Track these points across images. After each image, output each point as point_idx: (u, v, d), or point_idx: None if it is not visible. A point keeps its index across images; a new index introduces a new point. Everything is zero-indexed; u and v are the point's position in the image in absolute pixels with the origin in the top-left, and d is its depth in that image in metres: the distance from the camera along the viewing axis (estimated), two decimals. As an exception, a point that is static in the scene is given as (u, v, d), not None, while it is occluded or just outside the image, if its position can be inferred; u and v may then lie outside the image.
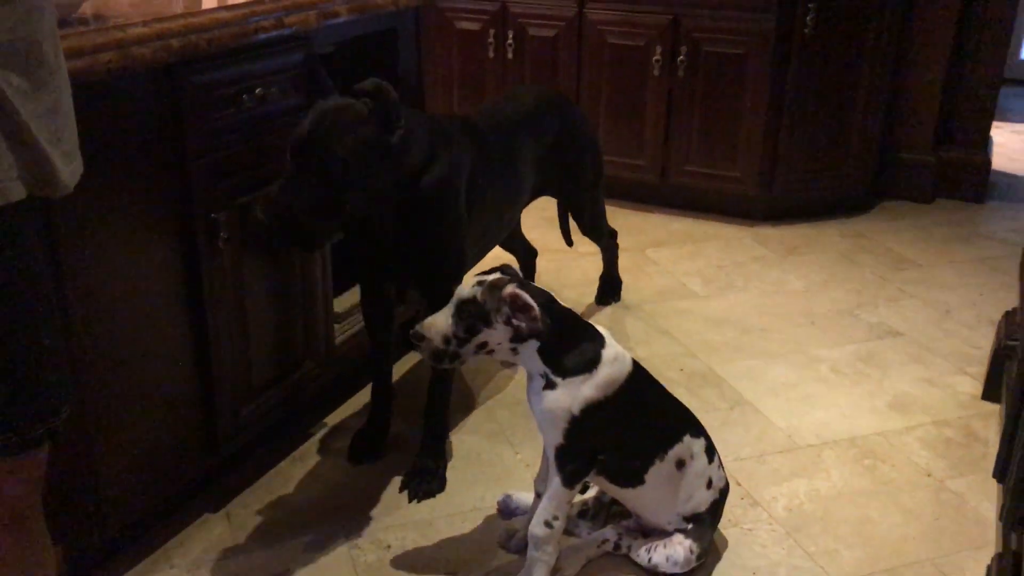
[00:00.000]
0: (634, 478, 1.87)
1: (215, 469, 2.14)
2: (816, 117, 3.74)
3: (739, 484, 2.24)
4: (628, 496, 1.92)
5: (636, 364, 1.87)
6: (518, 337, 1.74)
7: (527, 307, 1.71)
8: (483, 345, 1.76)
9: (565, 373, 1.77)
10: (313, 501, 2.18)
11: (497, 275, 1.78)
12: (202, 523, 2.10)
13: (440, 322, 1.76)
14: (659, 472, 1.88)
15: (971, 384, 2.71)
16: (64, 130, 1.24)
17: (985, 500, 2.19)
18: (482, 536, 2.08)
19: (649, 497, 1.90)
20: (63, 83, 1.24)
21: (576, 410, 1.77)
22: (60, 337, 1.38)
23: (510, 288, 1.73)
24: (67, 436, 1.68)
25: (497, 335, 1.75)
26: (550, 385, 1.78)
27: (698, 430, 1.96)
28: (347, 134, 1.83)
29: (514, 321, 1.73)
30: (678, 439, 1.90)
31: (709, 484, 1.93)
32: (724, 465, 2.02)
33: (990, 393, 2.59)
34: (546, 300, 1.76)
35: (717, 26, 3.60)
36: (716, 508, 1.97)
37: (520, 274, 1.85)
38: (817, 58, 3.63)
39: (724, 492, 1.99)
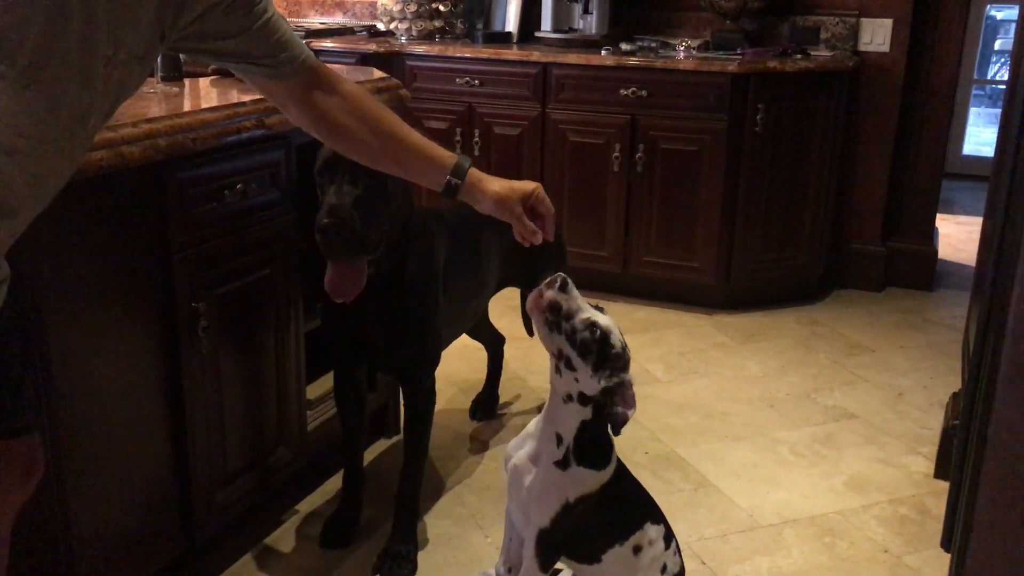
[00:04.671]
0: (591, 557, 1.90)
1: (189, 555, 2.15)
2: (769, 210, 3.92)
3: (703, 563, 2.30)
4: (584, 571, 1.95)
5: (617, 457, 1.91)
6: (587, 399, 1.73)
7: (630, 403, 1.71)
8: (571, 368, 1.71)
9: (582, 460, 1.79)
10: (285, 587, 2.21)
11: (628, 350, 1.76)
12: (174, 610, 2.11)
13: (581, 307, 1.71)
14: (616, 554, 1.89)
15: (924, 463, 2.81)
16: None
17: (939, 574, 2.26)
18: (453, 618, 2.11)
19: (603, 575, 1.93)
20: None
21: (572, 498, 1.79)
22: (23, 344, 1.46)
23: (630, 377, 1.72)
24: (43, 519, 1.72)
25: (586, 380, 1.72)
26: (563, 463, 1.79)
27: (658, 517, 1.97)
28: None
29: (613, 396, 1.71)
30: (640, 526, 1.91)
31: (664, 569, 1.94)
32: (689, 545, 2.06)
33: (942, 472, 2.69)
34: None
35: (672, 125, 3.80)
36: None
37: None
38: (768, 154, 3.83)
39: None
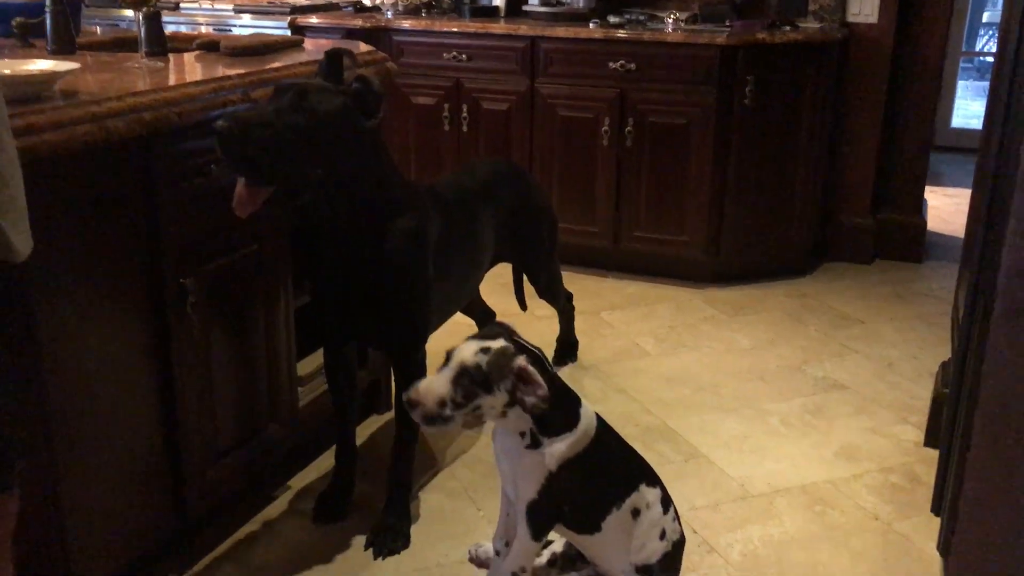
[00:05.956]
0: (591, 526, 1.92)
1: (182, 532, 2.16)
2: (758, 184, 3.91)
3: (695, 532, 2.31)
4: (584, 543, 1.96)
5: (599, 418, 1.93)
6: (511, 403, 1.77)
7: (536, 385, 1.74)
8: (477, 408, 1.77)
9: (549, 432, 1.82)
10: (279, 562, 2.21)
11: (501, 342, 1.78)
12: (168, 586, 2.11)
13: (437, 387, 1.76)
14: (615, 520, 1.91)
15: (913, 432, 2.82)
16: (10, 202, 1.30)
17: (930, 540, 2.27)
18: (447, 591, 2.12)
19: (604, 544, 1.94)
20: (9, 161, 1.31)
21: (553, 467, 1.82)
22: (13, 396, 1.43)
23: (520, 361, 1.75)
24: (35, 499, 1.72)
25: (495, 401, 1.76)
26: (534, 444, 1.82)
27: (654, 480, 2.00)
28: (333, 99, 1.97)
29: (519, 394, 1.75)
30: (635, 488, 1.94)
31: (662, 535, 1.95)
32: (681, 514, 2.08)
33: (931, 440, 2.71)
34: (542, 366, 1.79)
35: (661, 98, 3.78)
36: (668, 561, 1.97)
37: (516, 332, 1.86)
38: (757, 128, 3.82)
39: (678, 545, 2.00)
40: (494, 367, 1.74)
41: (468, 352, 1.77)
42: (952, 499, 1.84)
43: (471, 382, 1.74)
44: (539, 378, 1.74)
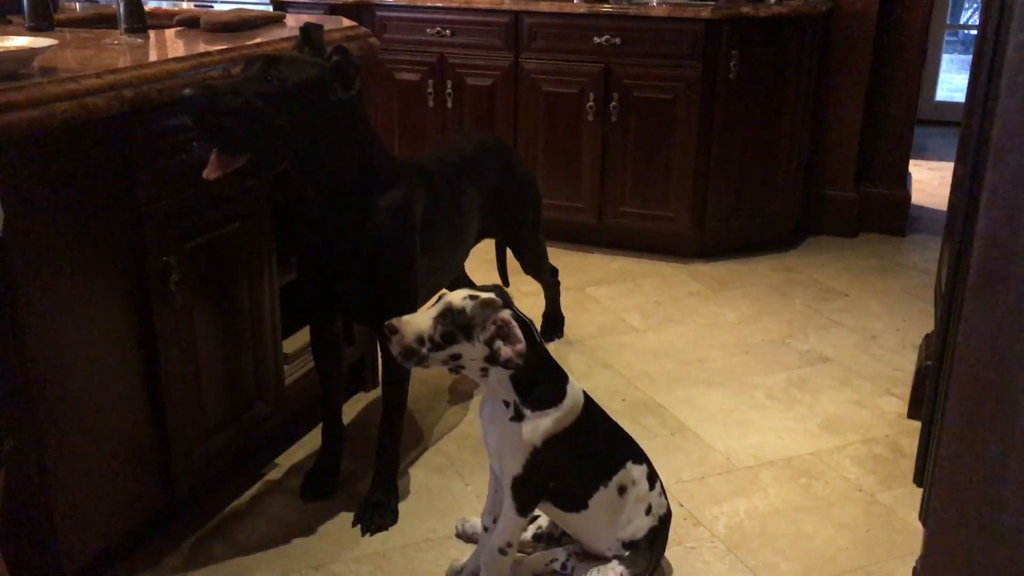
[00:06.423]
0: (578, 504, 1.92)
1: (169, 509, 2.16)
2: (743, 158, 3.91)
3: (681, 505, 2.33)
4: (571, 521, 1.97)
5: (586, 395, 1.94)
6: (492, 359, 1.76)
7: (515, 339, 1.73)
8: (456, 356, 1.77)
9: (534, 406, 1.82)
10: (267, 539, 2.21)
11: (491, 295, 1.79)
12: (157, 564, 2.11)
13: (419, 321, 1.76)
14: (602, 498, 1.92)
15: (897, 404, 2.85)
16: None
17: (912, 511, 2.30)
18: (434, 566, 2.13)
19: (591, 522, 1.95)
20: None
21: (539, 442, 1.82)
22: None
23: (505, 314, 1.75)
24: (22, 477, 1.71)
25: (473, 351, 1.76)
26: (518, 416, 1.82)
27: (640, 457, 2.01)
28: (305, 69, 1.96)
29: (496, 344, 1.74)
30: (621, 465, 1.95)
31: (648, 510, 1.97)
32: (667, 488, 2.09)
33: (915, 411, 2.73)
34: (529, 332, 1.78)
35: (646, 73, 3.77)
36: (654, 536, 1.99)
37: (511, 300, 1.85)
38: (741, 102, 3.81)
39: (664, 520, 2.02)
40: (478, 313, 1.74)
41: (457, 296, 1.77)
42: (934, 470, 1.86)
43: (452, 323, 1.74)
44: (519, 333, 1.73)
